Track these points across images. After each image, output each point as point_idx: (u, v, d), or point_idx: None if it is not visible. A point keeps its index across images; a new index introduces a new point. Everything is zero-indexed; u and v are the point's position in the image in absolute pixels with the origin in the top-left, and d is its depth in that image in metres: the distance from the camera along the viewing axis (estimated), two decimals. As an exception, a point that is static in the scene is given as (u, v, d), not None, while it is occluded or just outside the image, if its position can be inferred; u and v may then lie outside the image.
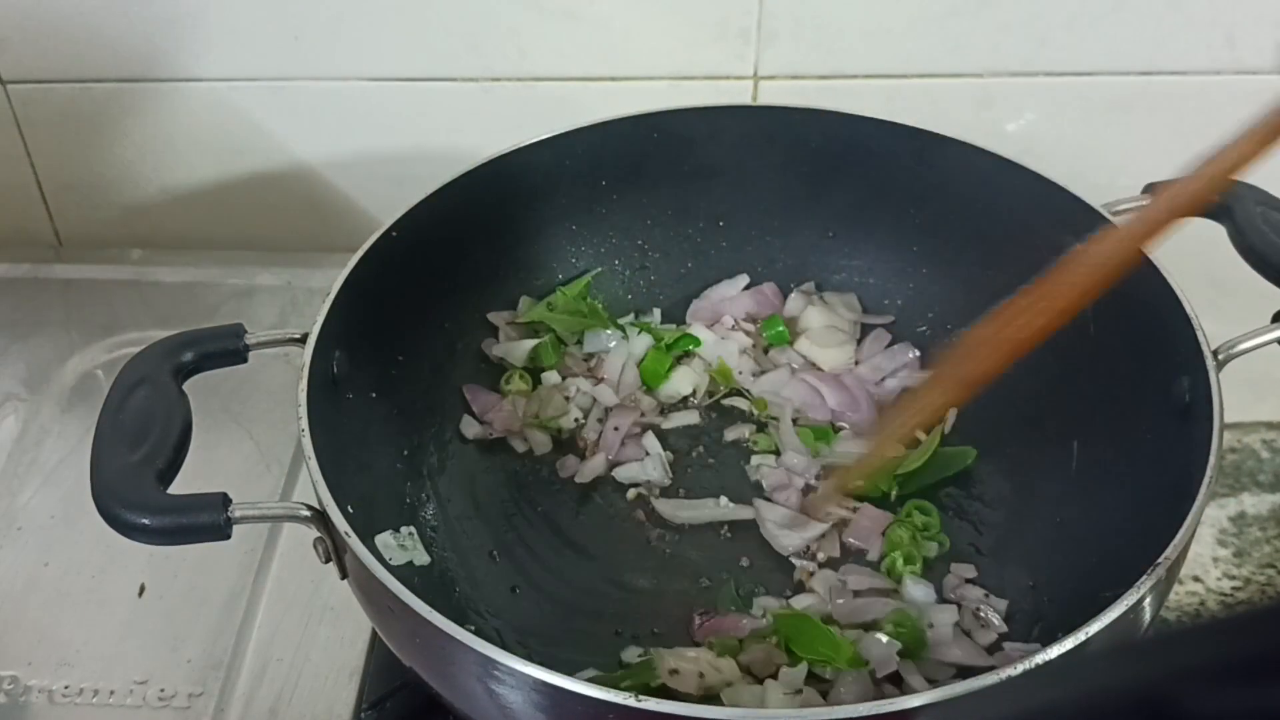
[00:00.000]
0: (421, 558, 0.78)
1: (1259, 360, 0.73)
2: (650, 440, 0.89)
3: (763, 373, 0.93)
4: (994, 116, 1.01)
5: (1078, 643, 0.58)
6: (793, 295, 0.97)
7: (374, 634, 0.81)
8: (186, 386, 0.70)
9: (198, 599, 0.83)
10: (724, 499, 0.86)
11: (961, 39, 0.98)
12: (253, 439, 0.94)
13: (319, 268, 1.05)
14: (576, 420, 0.90)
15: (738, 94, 1.02)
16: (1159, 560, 0.61)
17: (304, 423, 0.68)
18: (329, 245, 1.07)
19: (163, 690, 0.78)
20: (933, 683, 0.72)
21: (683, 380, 0.93)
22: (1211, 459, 0.66)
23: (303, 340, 0.74)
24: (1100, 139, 1.03)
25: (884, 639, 0.72)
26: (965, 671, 0.73)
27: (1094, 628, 0.58)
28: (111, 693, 0.78)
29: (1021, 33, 0.98)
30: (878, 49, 0.99)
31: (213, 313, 1.04)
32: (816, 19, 0.98)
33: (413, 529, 0.80)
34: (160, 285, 1.08)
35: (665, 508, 0.85)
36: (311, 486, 0.66)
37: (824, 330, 0.94)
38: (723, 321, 0.96)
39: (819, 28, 0.99)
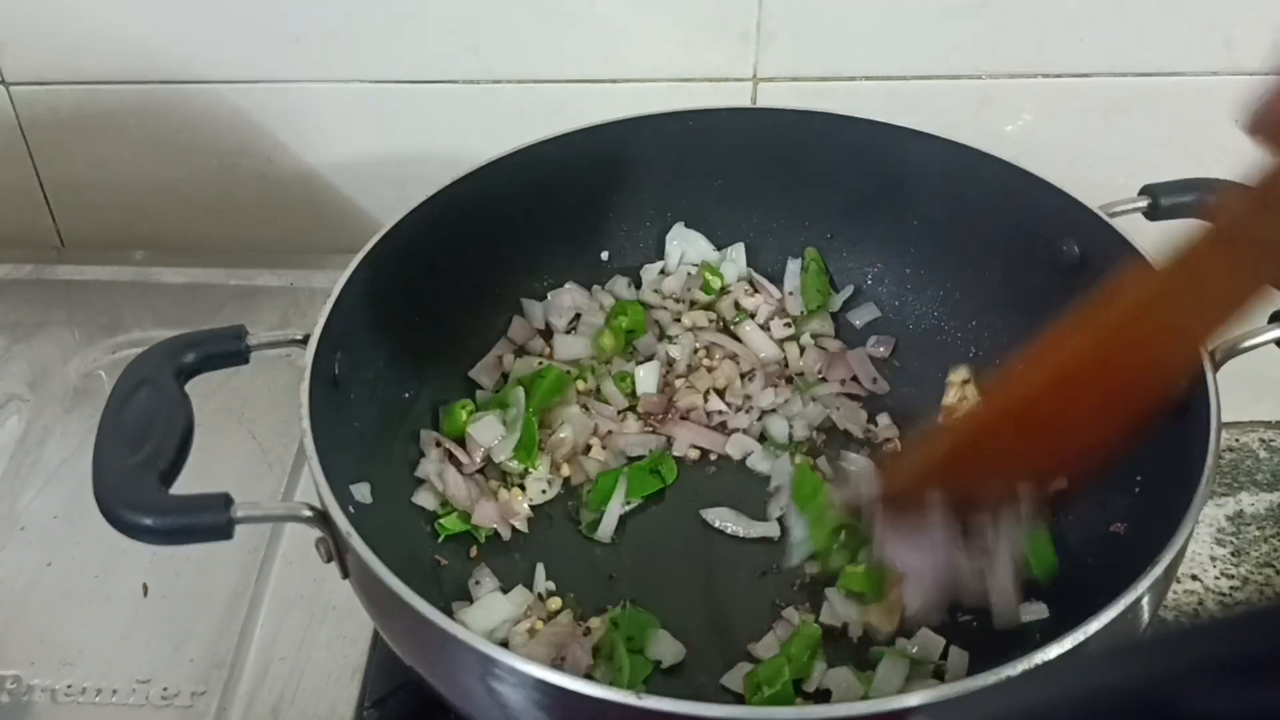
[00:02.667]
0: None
1: (1257, 360, 0.74)
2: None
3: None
4: (992, 118, 1.02)
5: (1077, 642, 0.58)
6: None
7: (376, 633, 0.81)
8: (189, 386, 0.70)
9: (200, 598, 0.83)
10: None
11: (960, 41, 0.99)
12: (255, 439, 0.94)
13: (321, 269, 1.05)
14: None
15: (737, 95, 1.02)
16: (1157, 559, 0.62)
17: (306, 423, 0.69)
18: (331, 247, 1.07)
19: (165, 689, 0.78)
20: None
21: None
22: (1209, 458, 0.66)
23: (304, 342, 0.74)
24: (1098, 140, 1.03)
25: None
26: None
27: (1093, 627, 0.58)
28: (114, 692, 0.78)
29: (1020, 34, 0.98)
30: (876, 50, 0.99)
31: (215, 314, 1.04)
32: (815, 21, 0.98)
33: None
34: (162, 286, 1.08)
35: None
36: (314, 486, 0.66)
37: None
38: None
39: (818, 29, 0.99)
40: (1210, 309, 0.63)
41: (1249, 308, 0.62)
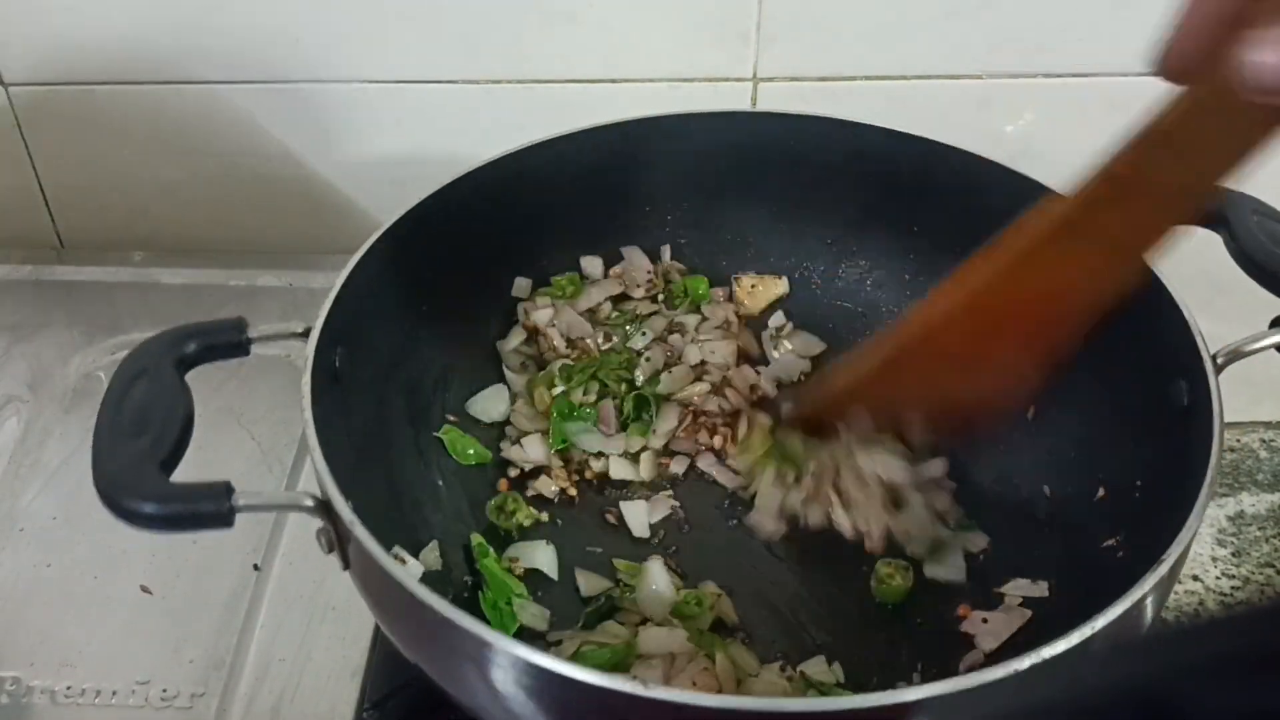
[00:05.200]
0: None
1: (1258, 361, 0.74)
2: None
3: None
4: (993, 118, 1.02)
5: (1079, 642, 0.58)
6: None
7: (376, 633, 0.81)
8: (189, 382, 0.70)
9: (200, 599, 0.83)
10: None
11: (960, 41, 0.99)
12: (254, 439, 0.94)
13: (320, 269, 1.05)
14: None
15: (737, 96, 1.02)
16: (1161, 560, 0.62)
17: (308, 414, 0.68)
18: (330, 247, 1.07)
19: (165, 690, 0.78)
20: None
21: None
22: (1212, 461, 0.66)
23: (305, 335, 0.73)
24: (1099, 140, 1.02)
25: None
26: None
27: (1095, 627, 0.58)
28: (114, 693, 0.78)
29: (1020, 34, 0.98)
30: (876, 51, 0.99)
31: (214, 314, 1.01)
32: (815, 21, 0.98)
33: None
34: (162, 287, 1.08)
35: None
36: (316, 480, 0.66)
37: None
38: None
39: (818, 30, 0.99)
40: (1117, 245, 0.65)
41: (1160, 244, 0.64)
